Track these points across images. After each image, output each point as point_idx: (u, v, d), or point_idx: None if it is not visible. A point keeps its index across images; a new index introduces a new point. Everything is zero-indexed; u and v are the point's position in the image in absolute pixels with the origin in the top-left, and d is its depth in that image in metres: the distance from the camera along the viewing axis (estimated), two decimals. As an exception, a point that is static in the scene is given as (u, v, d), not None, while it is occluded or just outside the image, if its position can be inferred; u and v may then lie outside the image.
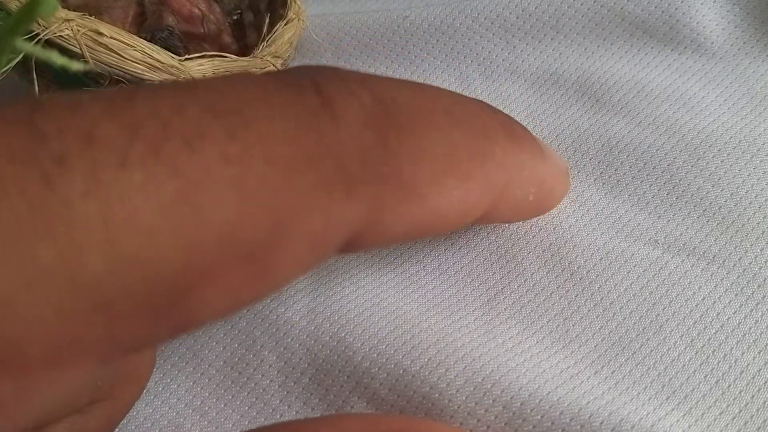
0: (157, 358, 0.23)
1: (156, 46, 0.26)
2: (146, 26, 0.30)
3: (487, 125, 0.16)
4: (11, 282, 0.09)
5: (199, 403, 0.23)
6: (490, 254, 0.25)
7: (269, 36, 0.30)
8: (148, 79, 0.25)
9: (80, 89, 0.26)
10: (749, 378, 0.21)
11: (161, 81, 0.25)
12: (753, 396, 0.20)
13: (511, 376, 0.21)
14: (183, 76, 0.26)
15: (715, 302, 0.22)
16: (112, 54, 0.25)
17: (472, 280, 0.24)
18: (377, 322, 0.23)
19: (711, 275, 0.23)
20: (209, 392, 0.23)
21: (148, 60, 0.25)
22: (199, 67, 0.27)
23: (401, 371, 0.21)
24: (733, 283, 0.23)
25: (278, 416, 0.22)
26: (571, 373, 0.21)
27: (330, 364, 0.22)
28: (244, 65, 0.28)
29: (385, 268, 0.25)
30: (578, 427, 0.19)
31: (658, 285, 0.23)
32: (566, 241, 0.25)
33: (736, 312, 0.22)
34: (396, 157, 0.13)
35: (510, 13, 0.31)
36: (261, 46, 0.30)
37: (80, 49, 0.24)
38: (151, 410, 0.23)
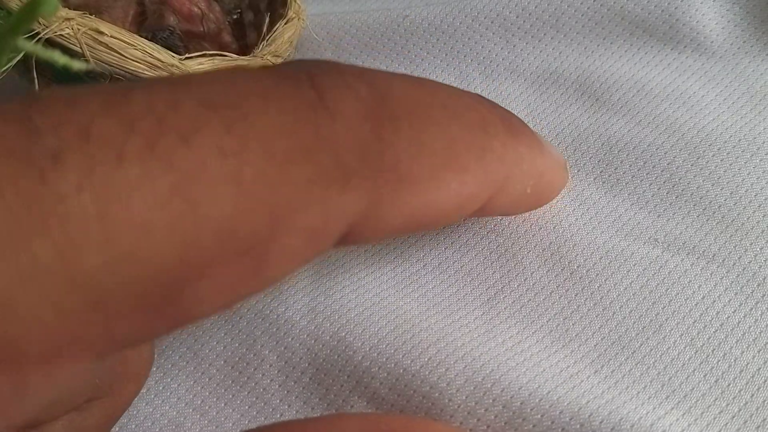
0: (157, 357, 0.24)
1: (156, 45, 0.26)
2: (147, 25, 0.30)
3: (485, 119, 0.15)
4: (8, 279, 0.09)
5: (199, 402, 0.23)
6: (490, 253, 0.25)
7: (269, 35, 0.30)
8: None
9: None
10: (749, 377, 0.21)
11: (157, 76, 0.25)
12: (752, 395, 0.20)
13: (511, 375, 0.21)
14: (183, 75, 0.26)
15: (714, 301, 0.22)
16: (113, 53, 0.25)
17: (472, 279, 0.24)
18: (377, 322, 0.23)
19: (710, 274, 0.23)
20: (210, 391, 0.23)
21: (149, 59, 0.25)
22: (199, 66, 0.27)
23: (401, 370, 0.21)
24: (732, 282, 0.23)
25: (278, 415, 0.22)
26: (570, 372, 0.21)
27: (330, 363, 0.22)
28: (244, 64, 0.28)
29: (385, 268, 0.25)
30: (578, 426, 0.19)
31: (658, 284, 0.23)
32: (566, 240, 0.25)
33: (735, 311, 0.22)
34: (393, 150, 0.13)
35: (510, 12, 0.31)
36: (261, 45, 0.30)
37: (80, 48, 0.24)
38: (151, 409, 0.23)
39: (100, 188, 0.10)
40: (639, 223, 0.25)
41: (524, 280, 0.24)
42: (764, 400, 0.20)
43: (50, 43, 0.24)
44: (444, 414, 0.20)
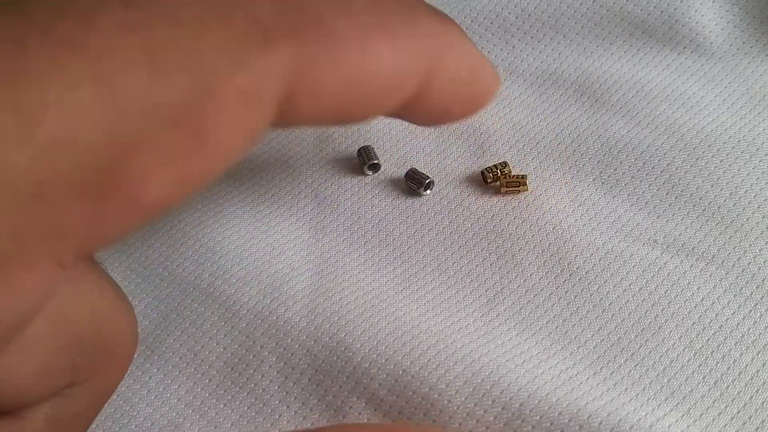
0: (157, 359, 0.24)
1: None
2: None
3: None
4: None
5: (198, 403, 0.23)
6: (489, 254, 0.25)
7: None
8: None
9: None
10: (748, 378, 0.21)
11: None
12: (751, 396, 0.20)
13: (510, 377, 0.21)
14: None
15: (713, 303, 0.22)
16: None
17: (472, 280, 0.24)
18: (377, 323, 0.23)
19: (710, 275, 0.23)
20: (209, 392, 0.23)
21: None
22: None
23: (400, 372, 0.21)
24: (731, 284, 0.23)
25: (277, 416, 0.22)
26: (570, 374, 0.21)
27: (329, 364, 0.22)
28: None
29: (384, 269, 0.25)
30: (577, 427, 0.19)
31: (657, 285, 0.23)
32: (565, 242, 0.25)
33: (734, 312, 0.22)
34: (313, 4, 0.13)
35: (509, 13, 0.31)
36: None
37: None
38: (151, 410, 0.23)
39: (9, 82, 0.10)
40: (638, 224, 0.25)
41: (523, 281, 0.24)
42: (763, 402, 0.20)
43: None
44: (443, 415, 0.21)
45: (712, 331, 0.22)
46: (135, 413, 0.23)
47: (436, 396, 0.21)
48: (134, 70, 0.11)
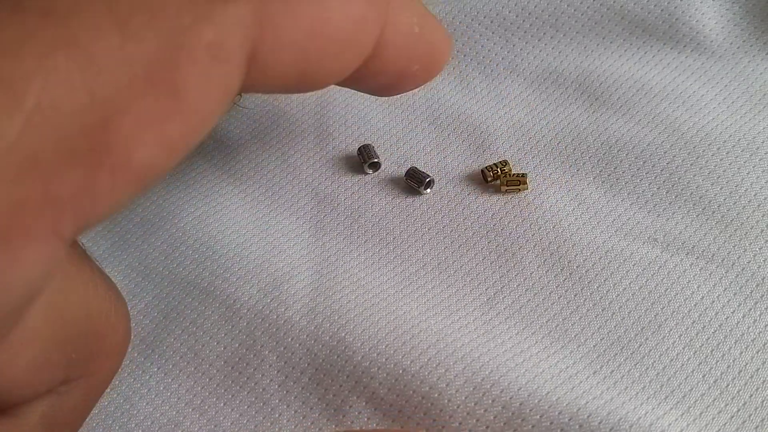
0: (158, 357, 0.24)
1: None
2: None
3: None
4: None
5: (199, 402, 0.23)
6: (489, 253, 0.25)
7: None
8: None
9: None
10: (747, 377, 0.21)
11: None
12: (751, 395, 0.20)
13: (510, 376, 0.21)
14: None
15: (713, 301, 0.22)
16: None
17: (472, 279, 0.24)
18: (377, 322, 0.23)
19: (710, 274, 0.23)
20: (209, 391, 0.23)
21: None
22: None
23: (401, 371, 0.21)
24: (731, 282, 0.23)
25: (277, 415, 0.22)
26: (570, 373, 0.21)
27: (330, 363, 0.22)
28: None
29: (384, 268, 0.25)
30: (577, 426, 0.19)
31: (657, 284, 0.23)
32: (565, 240, 0.25)
33: (734, 311, 0.22)
34: None
35: (509, 12, 0.31)
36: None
37: None
38: (151, 408, 0.23)
39: None
40: (638, 222, 0.25)
41: (523, 280, 0.24)
42: (763, 400, 0.20)
43: None
44: (443, 414, 0.21)
45: (712, 330, 0.22)
46: (135, 412, 0.23)
47: (436, 395, 0.21)
48: (105, 31, 0.11)
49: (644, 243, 0.24)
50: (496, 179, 0.27)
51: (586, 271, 0.24)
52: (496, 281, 0.24)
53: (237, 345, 0.23)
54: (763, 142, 0.26)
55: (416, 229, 0.26)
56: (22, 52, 0.10)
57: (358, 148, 0.29)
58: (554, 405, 0.20)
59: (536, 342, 0.22)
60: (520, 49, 0.31)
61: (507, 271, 0.24)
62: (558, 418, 0.20)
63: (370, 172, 0.28)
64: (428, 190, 0.27)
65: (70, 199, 0.11)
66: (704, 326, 0.22)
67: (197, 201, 0.28)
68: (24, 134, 0.10)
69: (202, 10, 0.12)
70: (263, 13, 0.13)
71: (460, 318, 0.23)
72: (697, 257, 0.24)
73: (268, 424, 0.22)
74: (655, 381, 0.21)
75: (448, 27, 0.32)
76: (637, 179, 0.26)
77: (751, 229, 0.24)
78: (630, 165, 0.27)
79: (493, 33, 0.31)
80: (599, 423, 0.19)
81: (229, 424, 0.22)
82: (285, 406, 0.22)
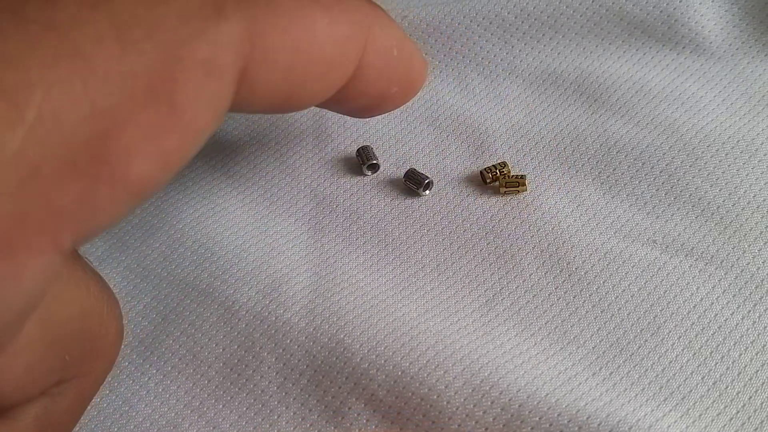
0: (156, 359, 0.24)
1: None
2: None
3: None
4: None
5: (197, 403, 0.23)
6: (489, 255, 0.25)
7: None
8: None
9: None
10: (747, 379, 0.21)
11: None
12: (751, 397, 0.20)
13: (509, 378, 0.21)
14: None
15: (713, 303, 0.22)
16: None
17: (471, 281, 0.24)
18: (376, 324, 0.23)
19: (709, 276, 0.23)
20: (208, 393, 0.23)
21: None
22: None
23: (399, 373, 0.21)
24: (731, 284, 0.23)
25: (276, 417, 0.22)
26: (569, 375, 0.21)
27: (328, 365, 0.22)
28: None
29: (383, 270, 0.25)
30: (576, 428, 0.19)
31: (656, 286, 0.23)
32: (564, 242, 0.25)
33: (734, 313, 0.22)
34: None
35: (508, 13, 0.31)
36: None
37: None
38: (150, 410, 0.23)
39: None
40: (637, 224, 0.25)
41: (522, 281, 0.24)
42: (762, 402, 0.20)
43: None
44: (442, 416, 0.20)
45: (711, 331, 0.22)
46: (134, 413, 0.23)
47: (435, 397, 0.21)
48: (105, 43, 0.11)
49: (643, 244, 0.24)
50: (495, 181, 0.27)
51: (585, 273, 0.24)
52: (495, 283, 0.24)
53: (236, 347, 0.23)
54: (762, 144, 0.26)
55: (415, 231, 0.26)
56: (25, 63, 0.10)
57: (357, 150, 0.28)
58: (553, 407, 0.20)
59: (535, 343, 0.22)
60: (519, 51, 0.31)
61: (506, 273, 0.24)
62: (557, 420, 0.20)
63: (369, 173, 0.28)
64: (427, 192, 0.27)
65: (70, 211, 0.11)
66: (704, 328, 0.22)
67: (196, 202, 0.28)
68: (25, 146, 0.10)
69: (196, 27, 0.12)
70: (254, 31, 0.13)
71: (459, 319, 0.23)
72: (697, 259, 0.23)
73: (267, 425, 0.22)
74: (655, 382, 0.21)
75: (447, 27, 0.32)
76: (636, 180, 0.26)
77: (751, 230, 0.24)
78: (629, 166, 0.27)
79: (491, 34, 0.31)
80: (598, 425, 0.19)
81: (227, 425, 0.22)
82: (284, 408, 0.22)
